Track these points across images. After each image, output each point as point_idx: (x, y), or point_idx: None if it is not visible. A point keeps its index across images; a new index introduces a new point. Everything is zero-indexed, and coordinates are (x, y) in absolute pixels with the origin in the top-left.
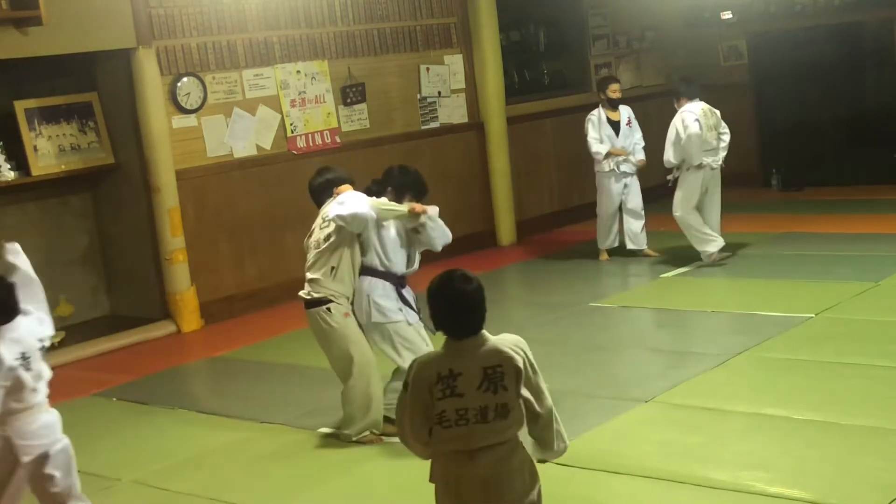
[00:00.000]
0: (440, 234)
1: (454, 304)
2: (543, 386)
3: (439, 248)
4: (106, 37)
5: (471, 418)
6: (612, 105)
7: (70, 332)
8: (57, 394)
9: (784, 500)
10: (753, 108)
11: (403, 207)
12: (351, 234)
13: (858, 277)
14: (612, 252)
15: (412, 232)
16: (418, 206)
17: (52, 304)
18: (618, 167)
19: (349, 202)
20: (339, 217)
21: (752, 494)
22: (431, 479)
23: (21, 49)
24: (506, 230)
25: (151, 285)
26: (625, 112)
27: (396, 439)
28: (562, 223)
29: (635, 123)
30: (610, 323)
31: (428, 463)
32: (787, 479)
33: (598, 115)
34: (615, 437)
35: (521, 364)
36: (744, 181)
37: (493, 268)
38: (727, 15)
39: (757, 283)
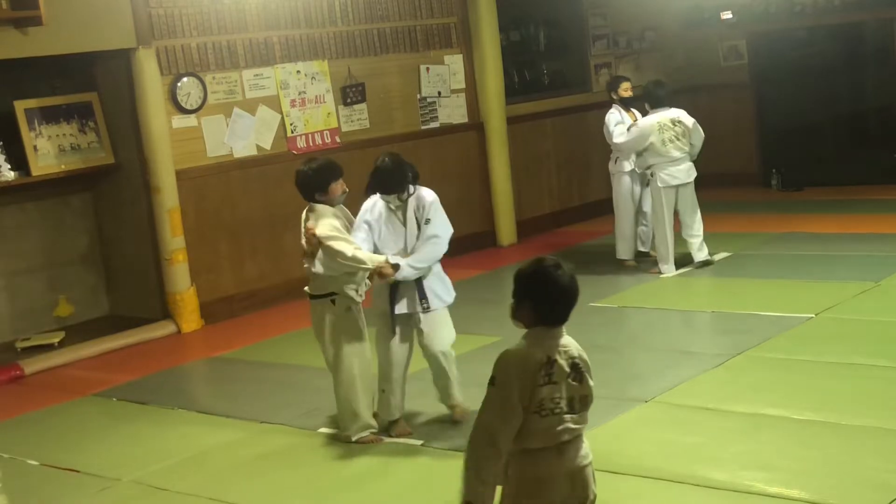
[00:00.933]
0: (425, 270)
1: (565, 291)
2: None
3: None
4: (106, 37)
5: (562, 408)
6: (625, 104)
7: (70, 332)
8: (57, 394)
9: (784, 500)
10: (753, 108)
11: (378, 259)
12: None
13: (858, 277)
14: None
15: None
16: (385, 268)
17: (52, 305)
18: (636, 168)
19: (326, 254)
20: (314, 270)
21: (752, 494)
22: (506, 482)
23: (21, 49)
24: (506, 230)
25: (151, 285)
26: (636, 113)
27: (397, 439)
28: (562, 223)
29: None
30: (610, 323)
31: (428, 462)
32: (787, 479)
33: (617, 114)
34: (615, 437)
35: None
36: (744, 181)
37: (493, 268)
38: (727, 15)
39: (757, 283)
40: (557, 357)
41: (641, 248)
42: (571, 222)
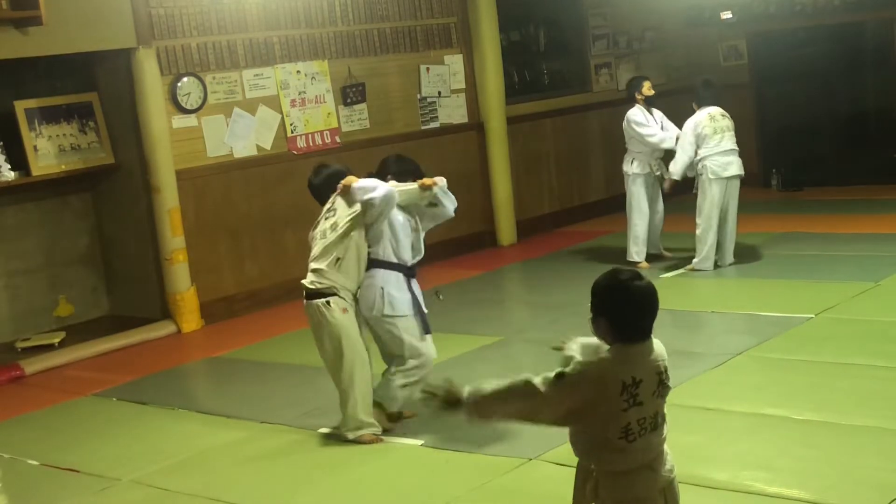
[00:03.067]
0: (451, 199)
1: (642, 306)
2: None
3: (453, 214)
4: (106, 37)
5: (648, 426)
6: (648, 104)
7: (70, 332)
8: (57, 394)
9: (784, 500)
10: (753, 108)
11: (414, 185)
12: (361, 224)
13: (858, 277)
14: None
15: (429, 207)
16: (427, 180)
17: (52, 305)
18: (652, 168)
19: (372, 186)
20: (371, 200)
21: (752, 494)
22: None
23: (21, 49)
24: (506, 230)
25: (151, 285)
26: (657, 115)
27: (399, 439)
28: (562, 223)
29: (667, 123)
30: None
31: (428, 462)
32: (787, 479)
33: (643, 116)
34: None
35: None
36: (744, 181)
37: (493, 268)
38: (727, 15)
39: (757, 283)
40: (645, 376)
41: (652, 251)
42: (571, 222)
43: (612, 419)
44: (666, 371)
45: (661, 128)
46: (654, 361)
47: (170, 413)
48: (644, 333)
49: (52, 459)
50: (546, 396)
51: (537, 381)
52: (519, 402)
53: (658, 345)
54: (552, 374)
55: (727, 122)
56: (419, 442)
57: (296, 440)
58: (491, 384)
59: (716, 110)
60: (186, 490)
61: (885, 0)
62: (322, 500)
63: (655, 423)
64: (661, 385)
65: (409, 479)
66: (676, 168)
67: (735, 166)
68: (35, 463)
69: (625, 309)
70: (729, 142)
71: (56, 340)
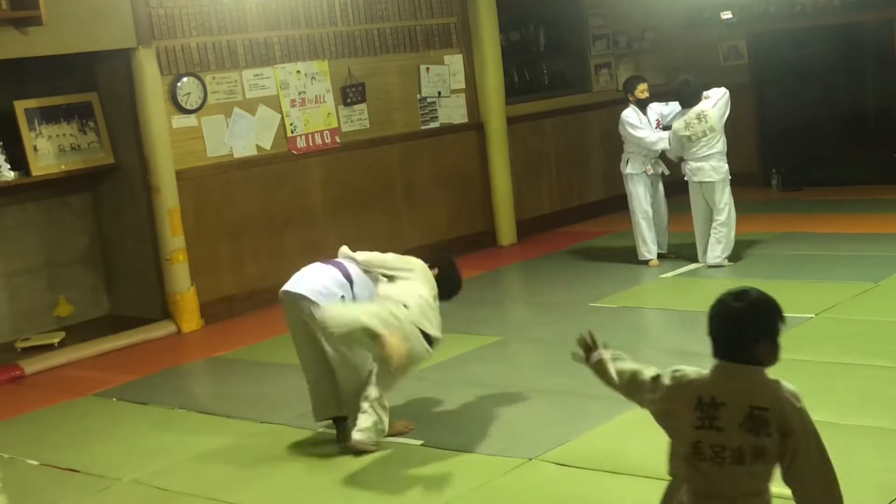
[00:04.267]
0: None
1: (722, 325)
2: (820, 450)
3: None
4: (106, 37)
5: (727, 457)
6: (642, 106)
7: (70, 332)
8: (57, 394)
9: (784, 500)
10: (753, 108)
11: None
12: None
13: (858, 277)
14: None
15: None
16: (390, 349)
17: (52, 305)
18: (648, 169)
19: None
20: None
21: None
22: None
23: (21, 49)
24: (506, 230)
25: (151, 285)
26: (653, 114)
27: (399, 439)
28: (562, 223)
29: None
30: (610, 323)
31: (428, 462)
32: None
33: (636, 116)
34: (615, 437)
35: (790, 415)
36: (744, 181)
37: (493, 268)
38: (727, 15)
39: (757, 283)
40: (729, 401)
41: (659, 251)
42: (571, 222)
43: (677, 426)
44: (765, 409)
45: (658, 125)
46: (753, 394)
47: (170, 413)
48: (726, 352)
49: (52, 459)
50: (647, 389)
51: (648, 374)
52: (628, 388)
53: (773, 385)
54: (656, 373)
55: (703, 126)
56: (419, 442)
57: (296, 440)
58: (621, 363)
59: (692, 114)
60: (186, 490)
61: (885, 0)
62: (322, 500)
63: (741, 458)
64: (753, 421)
65: (409, 479)
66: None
67: (704, 172)
68: (35, 463)
69: (709, 324)
70: (704, 147)
71: (56, 340)
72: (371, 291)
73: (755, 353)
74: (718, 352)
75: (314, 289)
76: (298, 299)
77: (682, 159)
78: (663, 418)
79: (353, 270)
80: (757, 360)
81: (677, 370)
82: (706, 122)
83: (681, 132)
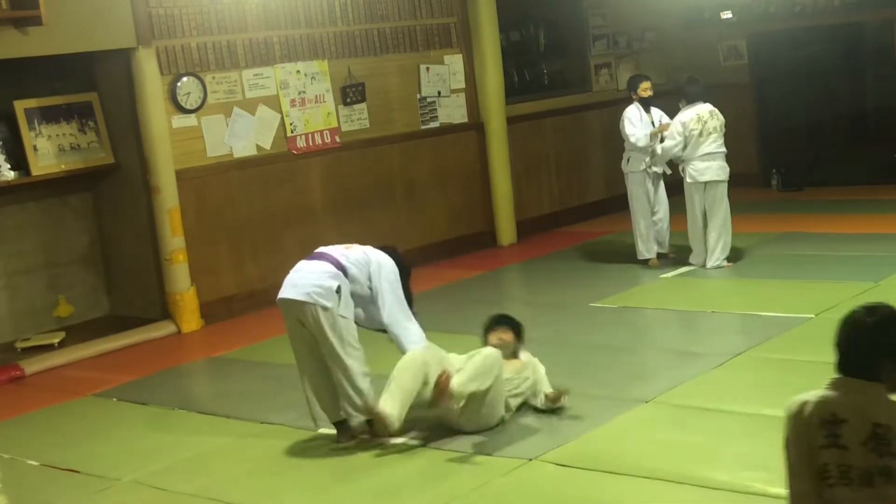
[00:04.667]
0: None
1: (850, 340)
2: None
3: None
4: (106, 37)
5: (854, 478)
6: (645, 104)
7: (70, 332)
8: (57, 394)
9: (784, 500)
10: (753, 109)
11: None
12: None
13: (858, 277)
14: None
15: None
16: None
17: (52, 305)
18: (649, 168)
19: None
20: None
21: (752, 494)
22: None
23: (21, 49)
24: (506, 230)
25: (151, 285)
26: (656, 114)
27: (399, 439)
28: (561, 223)
29: (665, 121)
30: (610, 323)
31: (428, 462)
32: None
33: (637, 114)
34: (615, 437)
35: None
36: (744, 181)
37: (493, 268)
38: (727, 15)
39: (757, 283)
40: (851, 418)
41: (660, 250)
42: (571, 222)
43: (807, 456)
44: (889, 431)
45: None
46: (876, 412)
47: (170, 413)
48: (849, 367)
49: (52, 459)
50: (788, 470)
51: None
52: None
53: (891, 403)
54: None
55: (715, 123)
56: (419, 442)
57: (296, 440)
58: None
59: (705, 109)
60: (186, 490)
61: (885, 0)
62: (321, 500)
63: (869, 479)
64: (876, 440)
65: (409, 479)
66: (663, 148)
67: (712, 171)
68: (35, 463)
69: (836, 336)
70: (713, 144)
71: (56, 340)
72: (365, 272)
73: (875, 370)
74: (840, 364)
75: (308, 291)
76: (299, 306)
77: (681, 160)
78: (790, 447)
79: (339, 252)
80: (876, 377)
81: (793, 401)
82: (718, 118)
83: (691, 125)
